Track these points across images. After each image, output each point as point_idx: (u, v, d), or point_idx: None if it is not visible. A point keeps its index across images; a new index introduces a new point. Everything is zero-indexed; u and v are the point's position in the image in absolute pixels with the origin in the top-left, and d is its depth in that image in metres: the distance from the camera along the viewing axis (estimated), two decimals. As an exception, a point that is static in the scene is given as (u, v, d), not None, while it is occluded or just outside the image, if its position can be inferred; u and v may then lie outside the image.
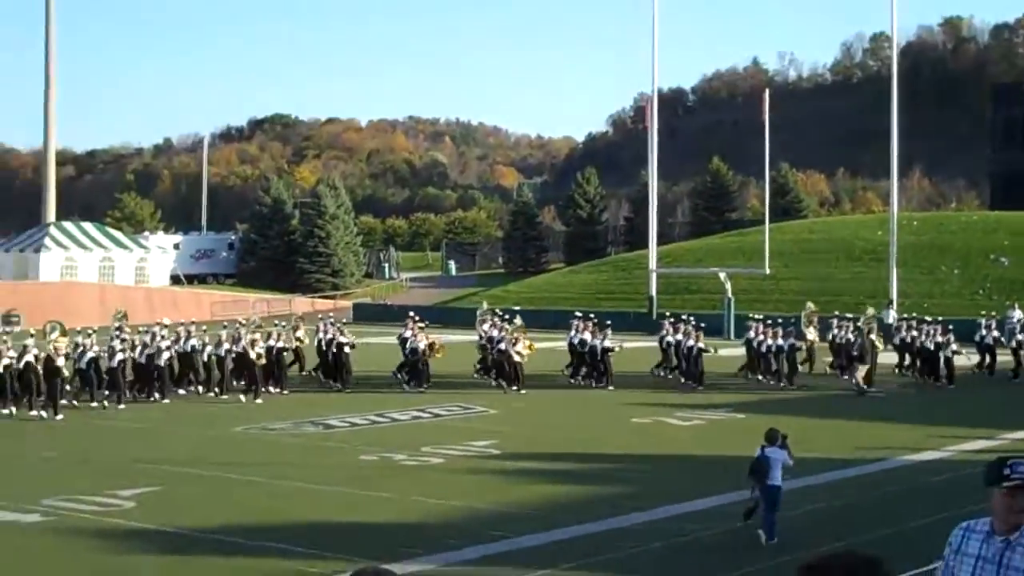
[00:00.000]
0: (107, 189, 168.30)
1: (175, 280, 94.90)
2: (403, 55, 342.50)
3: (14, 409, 34.13)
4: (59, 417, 33.43)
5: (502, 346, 40.39)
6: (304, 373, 42.53)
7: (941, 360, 41.32)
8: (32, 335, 36.47)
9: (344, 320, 45.87)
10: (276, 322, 45.07)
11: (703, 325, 44.01)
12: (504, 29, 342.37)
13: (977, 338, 43.99)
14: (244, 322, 42.82)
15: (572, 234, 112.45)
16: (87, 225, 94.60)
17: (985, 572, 6.79)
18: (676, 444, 29.33)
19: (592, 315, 45.36)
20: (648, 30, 67.19)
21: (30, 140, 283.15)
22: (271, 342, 39.63)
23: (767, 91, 66.72)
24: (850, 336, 41.85)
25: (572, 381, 41.88)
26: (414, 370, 40.45)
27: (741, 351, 43.85)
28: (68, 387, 35.98)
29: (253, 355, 38.11)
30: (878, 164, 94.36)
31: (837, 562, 4.18)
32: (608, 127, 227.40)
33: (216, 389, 38.49)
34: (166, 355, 38.07)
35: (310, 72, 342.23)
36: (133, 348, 37.69)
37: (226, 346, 39.01)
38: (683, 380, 40.94)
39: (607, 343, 41.21)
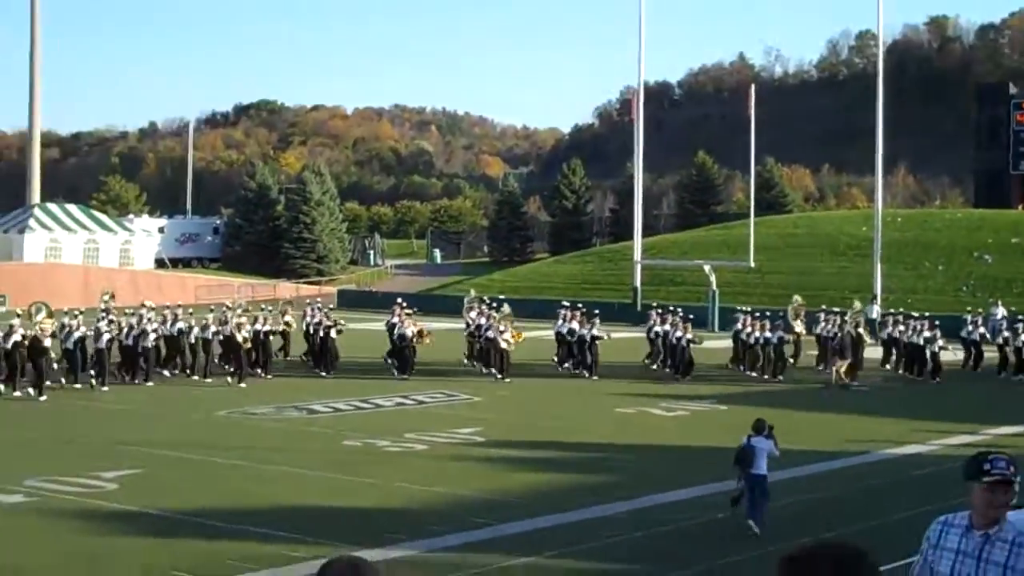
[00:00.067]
0: (92, 172, 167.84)
1: (160, 263, 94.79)
2: (391, 43, 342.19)
3: (1, 388, 34.12)
4: (43, 398, 33.40)
5: (490, 334, 40.40)
6: (289, 358, 42.54)
7: (928, 355, 41.43)
8: (18, 315, 36.38)
9: (330, 306, 45.76)
10: (263, 306, 45.04)
11: (691, 317, 44.12)
12: (492, 20, 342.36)
13: (964, 334, 44.14)
14: (231, 305, 42.82)
15: (557, 224, 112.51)
16: (72, 207, 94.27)
17: (965, 566, 6.81)
18: (660, 434, 29.33)
19: (580, 304, 45.41)
20: (635, 23, 67.33)
21: (15, 122, 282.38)
22: (257, 326, 39.60)
23: (753, 86, 66.71)
24: (836, 330, 41.95)
25: (560, 369, 41.95)
26: (400, 357, 40.44)
27: (725, 343, 43.92)
28: (56, 367, 36.01)
29: (240, 338, 38.10)
30: (863, 160, 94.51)
31: (822, 553, 4.18)
32: (594, 119, 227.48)
33: (201, 372, 38.45)
34: (152, 337, 38.00)
35: (297, 59, 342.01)
36: (120, 330, 37.63)
37: (212, 329, 39.02)
38: (667, 370, 41.04)
39: (595, 332, 41.24)
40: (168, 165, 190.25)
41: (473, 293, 50.03)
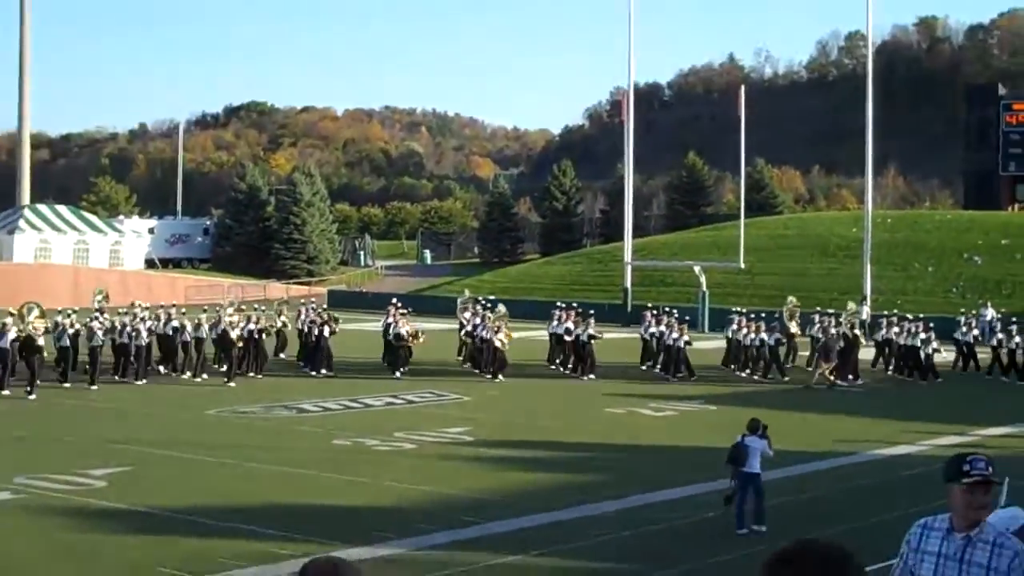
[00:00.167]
0: (81, 173, 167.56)
1: (150, 264, 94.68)
2: (381, 45, 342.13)
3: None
4: (32, 396, 33.36)
5: (485, 334, 40.39)
6: (284, 357, 42.54)
7: (922, 357, 41.48)
8: (11, 315, 36.33)
9: (323, 306, 45.74)
10: (256, 306, 45.00)
11: (687, 318, 44.15)
12: (482, 22, 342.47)
13: (957, 336, 44.24)
14: (225, 304, 42.80)
15: (548, 226, 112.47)
16: (62, 208, 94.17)
17: (947, 570, 6.82)
18: (649, 434, 29.33)
19: (575, 304, 45.40)
20: (625, 25, 67.34)
21: (4, 123, 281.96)
22: (251, 325, 39.58)
23: (743, 87, 66.76)
24: (832, 331, 41.96)
25: (552, 367, 42.00)
26: (395, 355, 40.42)
27: (715, 344, 43.90)
28: (58, 367, 36.10)
29: (234, 335, 38.13)
30: (853, 162, 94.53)
31: (808, 553, 4.17)
32: (584, 120, 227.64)
33: (194, 371, 38.43)
34: (145, 336, 37.99)
35: (287, 60, 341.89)
36: (113, 329, 37.64)
37: (205, 328, 38.98)
38: (663, 373, 41.03)
39: (590, 332, 41.24)
40: (158, 166, 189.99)
41: (467, 294, 49.97)
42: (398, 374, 39.50)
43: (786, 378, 40.65)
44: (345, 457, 25.12)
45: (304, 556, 16.37)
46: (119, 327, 37.75)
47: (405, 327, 40.91)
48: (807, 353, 43.48)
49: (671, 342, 41.22)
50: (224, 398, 33.95)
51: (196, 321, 39.27)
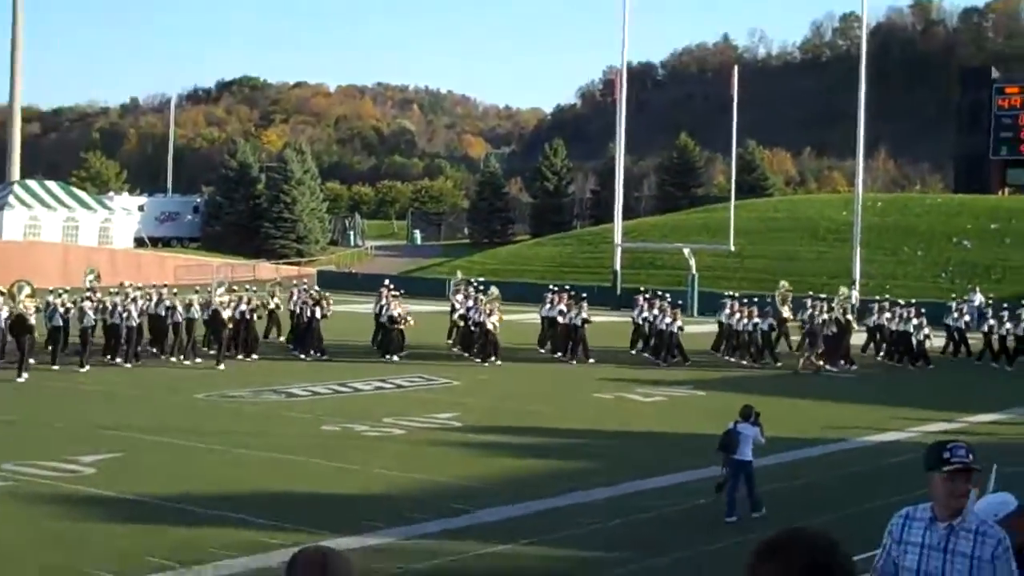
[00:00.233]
0: (72, 148, 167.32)
1: (139, 243, 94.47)
2: (373, 21, 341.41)
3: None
4: (24, 377, 33.25)
5: (478, 317, 40.32)
6: (280, 340, 42.51)
7: (914, 343, 41.54)
8: (2, 294, 36.22)
9: (315, 288, 45.55)
10: (248, 287, 44.88)
11: (680, 303, 44.06)
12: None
13: (949, 321, 44.28)
14: (214, 284, 42.70)
15: (538, 206, 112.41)
16: (51, 184, 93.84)
17: (931, 560, 6.84)
18: (638, 420, 29.34)
19: (568, 287, 45.25)
20: (619, 3, 67.18)
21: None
22: (242, 306, 39.50)
23: (736, 67, 66.58)
24: (824, 317, 42.00)
25: (542, 351, 42.02)
26: (388, 338, 40.41)
27: (703, 328, 43.90)
28: (48, 348, 36.06)
29: (225, 316, 38.09)
30: (844, 144, 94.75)
31: (794, 542, 4.19)
32: (577, 99, 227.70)
33: (184, 353, 38.37)
34: (136, 316, 37.92)
35: (279, 35, 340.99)
36: (104, 309, 37.54)
37: (196, 309, 38.88)
38: (653, 358, 41.02)
39: (584, 316, 41.19)
40: (149, 141, 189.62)
41: (460, 275, 49.72)
42: (396, 358, 39.42)
43: (778, 363, 40.65)
44: (334, 443, 25.10)
45: (294, 545, 16.43)
46: (110, 307, 37.64)
47: (397, 309, 40.85)
48: (798, 338, 43.49)
49: (663, 327, 41.18)
50: (214, 382, 33.88)
51: (187, 301, 39.15)
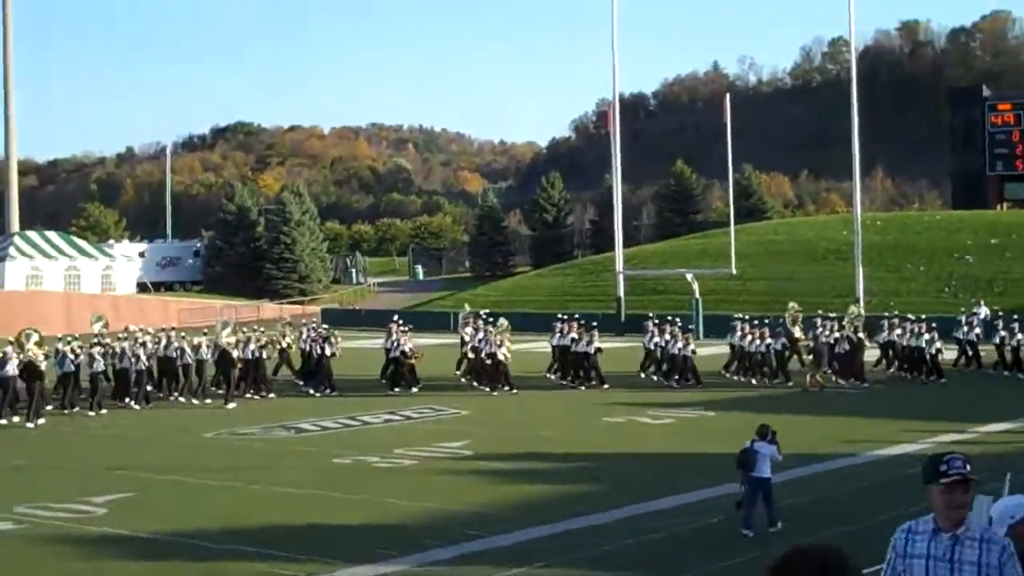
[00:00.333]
0: (70, 198, 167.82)
1: (142, 288, 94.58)
2: (367, 62, 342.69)
3: None
4: (40, 421, 33.33)
5: (490, 349, 40.34)
6: (289, 378, 42.50)
7: (927, 357, 41.54)
8: (10, 343, 36.27)
9: (324, 325, 45.49)
10: (255, 327, 44.89)
11: (691, 327, 44.00)
12: (466, 35, 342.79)
13: (959, 335, 44.32)
14: (218, 325, 42.66)
15: (538, 238, 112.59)
16: (52, 234, 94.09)
17: (938, 570, 6.87)
18: (648, 442, 29.34)
19: (577, 316, 45.20)
20: (608, 36, 67.44)
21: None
22: (251, 345, 39.57)
23: (728, 95, 66.77)
24: (836, 335, 42.01)
25: (551, 377, 42.02)
26: (400, 373, 40.40)
27: (710, 350, 43.88)
28: (55, 395, 36.16)
29: (235, 355, 38.18)
30: (840, 166, 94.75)
31: (806, 558, 4.22)
32: (571, 132, 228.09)
33: (195, 394, 38.39)
34: (145, 359, 37.98)
35: (272, 80, 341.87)
36: (113, 354, 37.62)
37: (204, 350, 38.93)
38: (666, 381, 41.00)
39: (596, 344, 41.19)
40: (146, 190, 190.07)
41: (468, 308, 49.57)
42: (414, 390, 39.62)
43: (789, 382, 40.66)
44: (345, 476, 25.08)
45: (308, 576, 16.45)
46: (119, 352, 37.75)
47: (408, 344, 40.95)
48: (811, 357, 43.48)
49: (676, 351, 41.23)
50: (223, 420, 33.86)
51: (196, 343, 39.24)
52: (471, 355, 42.02)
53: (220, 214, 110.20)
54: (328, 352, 40.76)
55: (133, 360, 37.49)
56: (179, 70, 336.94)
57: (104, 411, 35.69)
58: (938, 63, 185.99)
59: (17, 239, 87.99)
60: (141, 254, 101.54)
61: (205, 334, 40.89)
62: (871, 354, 43.33)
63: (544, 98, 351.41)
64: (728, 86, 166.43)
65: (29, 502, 22.26)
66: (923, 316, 45.04)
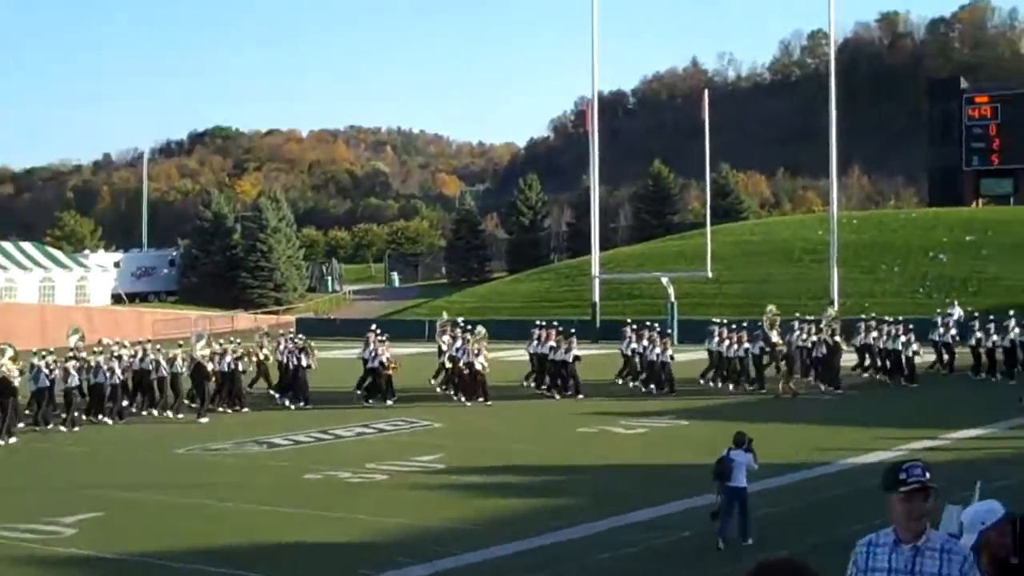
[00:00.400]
0: (46, 207, 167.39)
1: (116, 299, 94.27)
2: (342, 64, 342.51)
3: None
4: (11, 440, 33.11)
5: (467, 358, 40.11)
6: (266, 391, 42.31)
7: (903, 360, 41.48)
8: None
9: (301, 337, 45.24)
10: (232, 338, 44.69)
11: (669, 332, 43.84)
12: (443, 35, 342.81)
13: (935, 337, 44.27)
14: (193, 338, 42.49)
15: (515, 242, 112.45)
16: (26, 245, 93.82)
17: (901, 582, 6.81)
18: (622, 453, 29.23)
19: (556, 323, 45.15)
20: (587, 33, 67.43)
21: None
22: (227, 358, 39.38)
23: (706, 91, 66.72)
24: (813, 339, 41.98)
25: (527, 385, 41.82)
26: (376, 384, 40.18)
27: (686, 356, 43.83)
28: (28, 411, 35.94)
29: (209, 368, 38.00)
30: (817, 163, 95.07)
31: (775, 572, 4.17)
32: (549, 132, 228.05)
33: (169, 408, 38.23)
34: (119, 373, 37.79)
35: (249, 84, 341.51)
36: (88, 369, 37.42)
37: (179, 363, 38.76)
38: (644, 388, 40.88)
39: (574, 352, 41.00)
40: (123, 197, 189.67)
41: (445, 316, 49.26)
42: (389, 402, 39.32)
43: (763, 389, 40.57)
44: (317, 491, 24.93)
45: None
46: (94, 366, 37.55)
47: (385, 355, 40.72)
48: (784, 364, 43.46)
49: (654, 357, 41.09)
50: (196, 435, 33.66)
51: (171, 356, 39.05)
52: (448, 364, 41.89)
53: (196, 221, 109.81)
54: (304, 364, 40.60)
55: (108, 374, 37.30)
56: (157, 75, 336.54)
57: (76, 428, 35.48)
58: (917, 55, 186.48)
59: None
60: (116, 264, 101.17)
61: (180, 346, 40.73)
62: (848, 358, 43.29)
63: (523, 97, 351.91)
64: (707, 82, 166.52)
65: (-5, 524, 22.05)
66: (900, 318, 45.03)
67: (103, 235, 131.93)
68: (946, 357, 44.21)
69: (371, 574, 17.97)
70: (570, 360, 40.83)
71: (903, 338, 41.66)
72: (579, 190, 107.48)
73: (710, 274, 61.98)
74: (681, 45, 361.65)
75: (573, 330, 43.58)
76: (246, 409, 38.98)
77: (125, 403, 38.22)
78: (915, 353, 41.62)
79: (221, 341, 42.68)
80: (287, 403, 39.97)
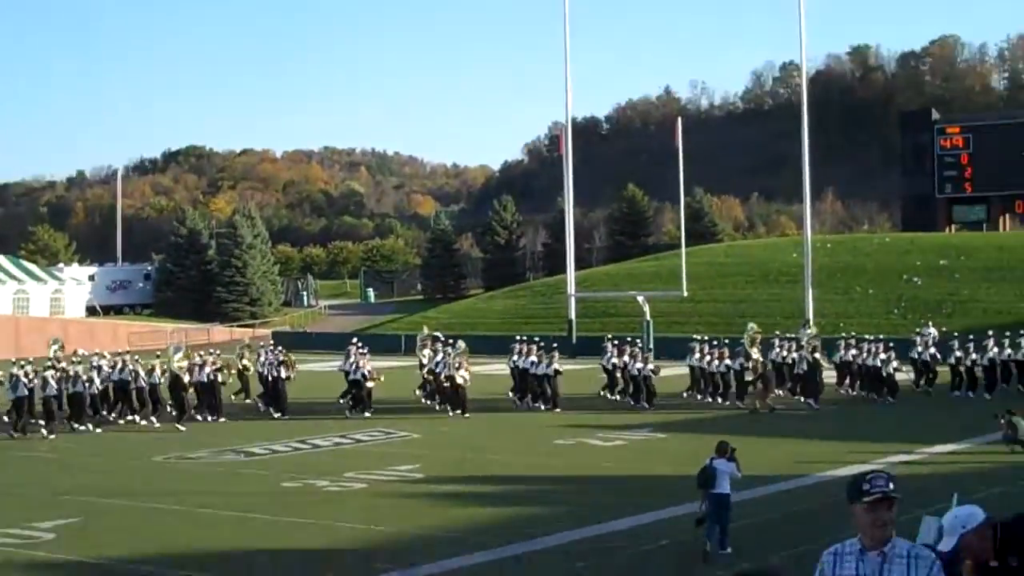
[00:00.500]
0: (20, 222, 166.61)
1: (91, 311, 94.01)
2: (318, 85, 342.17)
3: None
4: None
5: (448, 371, 40.16)
6: (248, 401, 42.23)
7: (884, 376, 41.74)
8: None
9: (281, 348, 45.16)
10: (212, 350, 44.62)
11: (651, 348, 43.91)
12: (420, 58, 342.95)
13: (914, 355, 44.53)
14: (170, 349, 42.46)
15: (490, 261, 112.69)
16: (0, 258, 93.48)
17: (869, 589, 6.91)
18: (599, 465, 29.29)
19: (537, 338, 45.11)
20: (562, 59, 67.72)
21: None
22: (206, 369, 39.39)
23: (679, 119, 67.09)
24: (794, 355, 42.17)
25: (519, 404, 41.79)
26: (358, 396, 40.21)
27: (662, 372, 43.91)
28: (7, 419, 35.93)
29: (185, 380, 38.01)
30: (791, 189, 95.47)
31: None
32: (524, 155, 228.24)
33: (147, 418, 38.19)
34: (99, 383, 37.76)
35: (225, 103, 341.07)
36: (67, 378, 37.36)
37: (157, 374, 38.76)
38: (635, 403, 41.00)
39: (555, 366, 41.12)
40: (97, 213, 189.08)
41: (426, 330, 49.16)
42: (367, 414, 39.25)
43: (743, 404, 40.70)
44: (295, 499, 24.92)
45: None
46: (72, 375, 37.52)
47: (367, 367, 40.76)
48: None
49: (636, 372, 41.29)
50: (173, 444, 33.62)
51: (149, 367, 39.04)
52: (428, 377, 41.98)
53: (171, 237, 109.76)
54: (283, 375, 40.64)
55: (87, 384, 37.30)
56: (132, 93, 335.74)
57: (53, 436, 35.44)
58: (889, 88, 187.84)
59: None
60: (91, 277, 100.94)
61: (158, 357, 40.72)
62: (829, 374, 43.43)
63: (497, 121, 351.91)
64: (680, 110, 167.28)
65: (-26, 528, 22.00)
66: (881, 336, 45.32)
67: (77, 249, 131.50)
68: (928, 376, 44.39)
69: (350, 581, 18.00)
70: (551, 374, 40.96)
71: (882, 355, 41.95)
72: (554, 212, 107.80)
73: (685, 293, 62.11)
74: (654, 73, 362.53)
75: (555, 344, 43.67)
76: (223, 419, 38.96)
77: (104, 412, 38.24)
78: (896, 369, 41.91)
79: (201, 353, 42.68)
80: (272, 411, 39.96)
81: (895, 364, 41.89)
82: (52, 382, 36.77)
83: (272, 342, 48.02)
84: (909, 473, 25.17)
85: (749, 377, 41.82)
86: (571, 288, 67.68)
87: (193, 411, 38.73)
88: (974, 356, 42.83)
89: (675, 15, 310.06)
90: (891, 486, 6.84)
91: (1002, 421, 29.74)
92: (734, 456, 19.53)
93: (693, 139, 69.72)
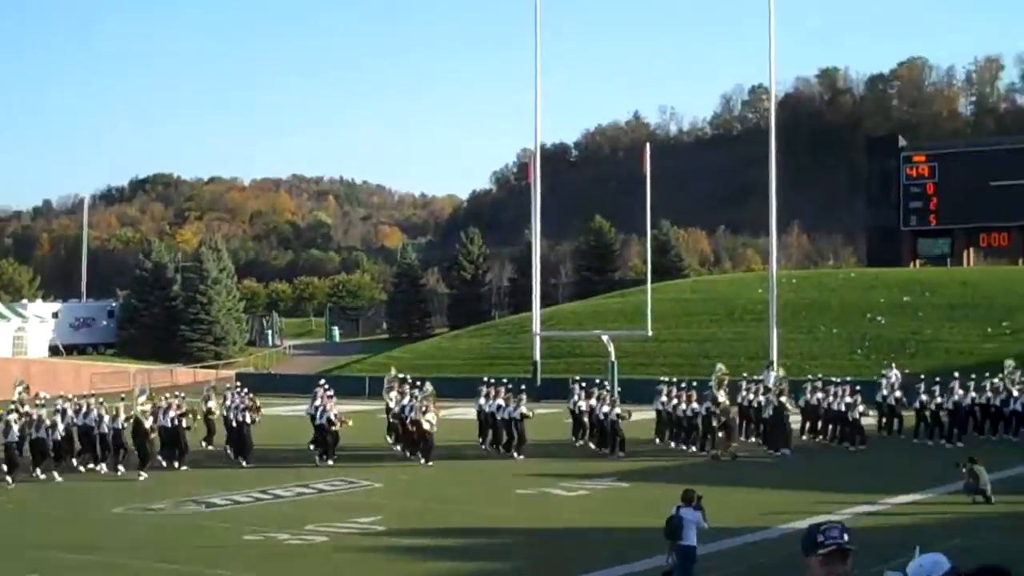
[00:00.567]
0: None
1: (54, 351, 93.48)
2: (287, 113, 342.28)
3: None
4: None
5: (414, 415, 39.87)
6: (212, 448, 41.82)
7: (850, 420, 41.47)
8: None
9: (245, 390, 44.76)
10: (177, 393, 44.24)
11: (619, 390, 43.62)
12: (387, 86, 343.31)
13: (879, 398, 44.34)
14: (135, 392, 42.08)
15: (456, 296, 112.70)
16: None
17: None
18: (562, 516, 29.21)
19: (506, 380, 44.90)
20: (531, 85, 67.72)
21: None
22: (171, 412, 39.01)
23: (648, 145, 66.62)
24: (761, 399, 41.98)
25: (487, 449, 41.52)
26: (324, 442, 39.74)
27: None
28: None
29: (147, 424, 37.69)
30: (758, 220, 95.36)
31: None
32: (492, 184, 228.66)
33: (111, 465, 37.84)
34: (62, 429, 37.44)
35: (193, 131, 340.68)
36: (29, 423, 37.01)
37: (122, 419, 38.34)
38: (601, 449, 40.74)
39: (522, 409, 40.75)
40: (62, 244, 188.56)
41: (393, 372, 48.74)
42: (330, 461, 38.86)
43: (709, 450, 40.44)
44: (255, 553, 24.71)
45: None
46: (35, 420, 37.17)
47: (333, 411, 40.35)
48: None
49: (603, 415, 41.03)
50: (134, 494, 33.36)
51: (114, 411, 38.69)
52: (393, 421, 41.62)
53: (136, 271, 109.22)
54: (248, 420, 40.28)
55: (50, 430, 36.94)
56: (100, 121, 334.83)
57: (13, 484, 35.11)
58: (857, 112, 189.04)
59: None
60: (54, 315, 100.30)
61: (123, 399, 40.38)
62: (794, 419, 43.27)
63: (466, 149, 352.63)
64: (649, 136, 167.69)
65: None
66: (848, 379, 45.15)
67: (41, 284, 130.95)
68: (894, 420, 44.20)
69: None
70: (518, 417, 40.68)
71: (847, 399, 41.69)
72: (521, 244, 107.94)
73: (650, 332, 61.92)
74: (623, 98, 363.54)
75: (523, 387, 43.45)
76: (184, 467, 38.62)
77: (67, 459, 37.82)
78: (861, 414, 41.52)
79: (166, 395, 42.22)
80: (241, 461, 39.60)
81: (861, 408, 41.63)
82: (15, 427, 36.40)
83: (239, 384, 47.55)
84: (872, 525, 25.22)
85: (715, 424, 41.49)
86: (536, 327, 67.46)
87: (159, 456, 38.38)
88: (939, 400, 42.56)
89: (645, 39, 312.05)
90: (846, 537, 6.79)
91: (963, 470, 29.77)
92: (700, 504, 19.49)
93: (661, 165, 69.50)
